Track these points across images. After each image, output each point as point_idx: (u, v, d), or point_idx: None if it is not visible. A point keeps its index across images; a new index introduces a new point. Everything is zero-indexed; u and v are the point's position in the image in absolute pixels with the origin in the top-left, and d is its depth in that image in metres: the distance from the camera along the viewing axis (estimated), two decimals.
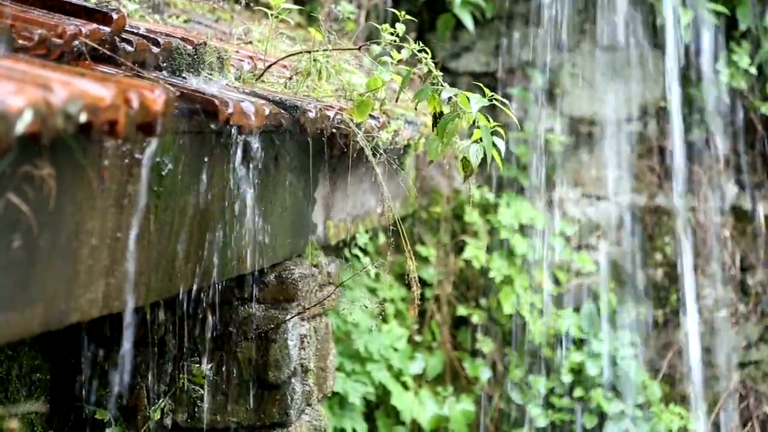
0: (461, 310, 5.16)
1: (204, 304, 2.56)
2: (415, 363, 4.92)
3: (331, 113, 2.50)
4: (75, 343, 2.64)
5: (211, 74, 2.29)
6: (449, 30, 5.32)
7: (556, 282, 5.25)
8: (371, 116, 2.71)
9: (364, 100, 2.58)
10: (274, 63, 2.67)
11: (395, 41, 2.56)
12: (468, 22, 5.15)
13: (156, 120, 1.48)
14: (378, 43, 2.60)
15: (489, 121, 2.46)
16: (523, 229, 5.22)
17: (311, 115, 2.36)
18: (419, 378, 4.98)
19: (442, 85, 2.49)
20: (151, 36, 2.13)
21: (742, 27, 5.23)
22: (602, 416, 5.07)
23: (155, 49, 2.10)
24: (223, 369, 2.64)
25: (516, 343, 5.17)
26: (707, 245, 5.34)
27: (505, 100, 2.52)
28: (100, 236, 1.67)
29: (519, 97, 5.32)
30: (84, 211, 1.61)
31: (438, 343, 5.11)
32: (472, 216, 5.18)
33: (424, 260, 5.11)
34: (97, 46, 1.84)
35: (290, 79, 2.68)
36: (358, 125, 2.60)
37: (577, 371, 5.11)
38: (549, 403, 5.13)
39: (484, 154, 2.43)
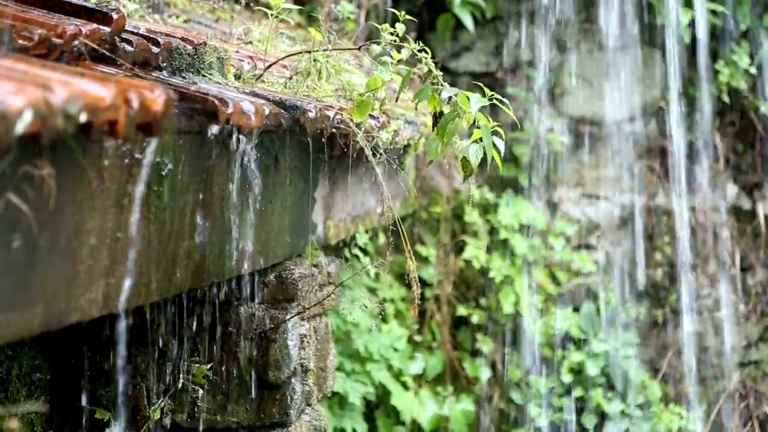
0: (461, 310, 5.16)
1: (204, 304, 2.56)
2: (415, 363, 4.92)
3: (331, 113, 2.50)
4: (75, 343, 2.64)
5: (211, 74, 2.29)
6: (449, 30, 5.32)
7: (556, 282, 5.25)
8: (371, 116, 2.71)
9: (364, 100, 2.58)
10: (274, 63, 2.67)
11: (395, 41, 2.56)
12: (468, 22, 5.15)
13: (156, 120, 1.48)
14: (378, 43, 2.60)
15: (489, 121, 2.45)
16: (523, 229, 5.22)
17: (311, 115, 2.36)
18: (419, 378, 4.98)
19: (442, 85, 2.48)
20: (151, 36, 2.13)
21: (742, 27, 5.23)
22: (602, 416, 5.08)
23: (155, 49, 2.10)
24: (223, 369, 2.64)
25: (516, 343, 5.17)
26: (707, 245, 5.34)
27: (505, 100, 2.52)
28: (100, 236, 1.67)
29: (519, 97, 5.32)
30: (84, 211, 1.61)
31: (438, 343, 5.11)
32: (472, 216, 5.18)
33: (424, 260, 5.11)
34: (97, 46, 1.84)
35: (290, 79, 2.68)
36: (358, 125, 2.60)
37: (577, 371, 5.11)
38: (549, 403, 5.13)
39: (484, 154, 2.43)
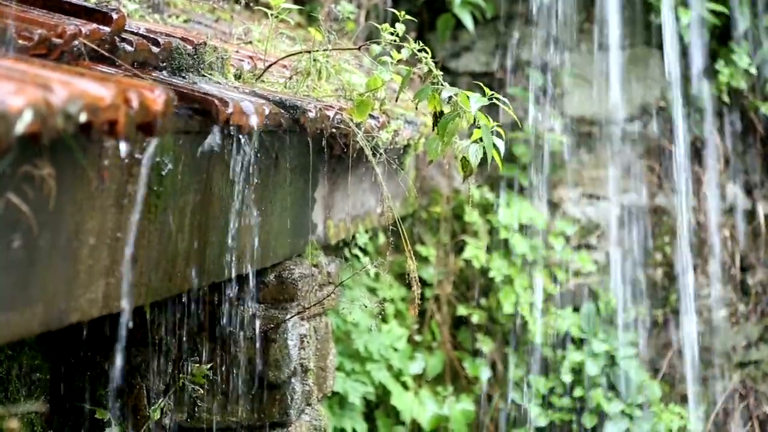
0: (461, 310, 5.16)
1: (204, 304, 2.56)
2: (415, 363, 4.92)
3: (331, 113, 2.50)
4: (75, 343, 2.64)
5: (211, 74, 2.29)
6: (449, 30, 5.32)
7: (556, 282, 5.25)
8: (371, 116, 2.71)
9: (364, 99, 2.58)
10: (274, 63, 2.67)
11: (395, 41, 2.56)
12: (468, 22, 5.15)
13: (156, 120, 1.48)
14: (378, 43, 2.60)
15: (489, 120, 2.45)
16: (523, 229, 5.22)
17: (311, 114, 2.36)
18: (419, 378, 4.98)
19: (442, 85, 2.48)
20: (151, 36, 2.13)
21: (742, 27, 5.23)
22: (602, 416, 5.08)
23: (155, 49, 2.10)
24: (223, 369, 2.64)
25: (516, 343, 5.17)
26: (707, 245, 5.35)
27: (505, 100, 2.52)
28: (100, 236, 1.67)
29: (519, 97, 5.32)
30: (84, 211, 1.61)
31: (438, 343, 5.11)
32: (472, 216, 5.18)
33: (424, 260, 5.11)
34: (96, 46, 1.84)
35: (290, 79, 2.68)
36: (358, 125, 2.60)
37: (577, 371, 5.11)
38: (549, 403, 5.13)
39: (484, 153, 2.43)
